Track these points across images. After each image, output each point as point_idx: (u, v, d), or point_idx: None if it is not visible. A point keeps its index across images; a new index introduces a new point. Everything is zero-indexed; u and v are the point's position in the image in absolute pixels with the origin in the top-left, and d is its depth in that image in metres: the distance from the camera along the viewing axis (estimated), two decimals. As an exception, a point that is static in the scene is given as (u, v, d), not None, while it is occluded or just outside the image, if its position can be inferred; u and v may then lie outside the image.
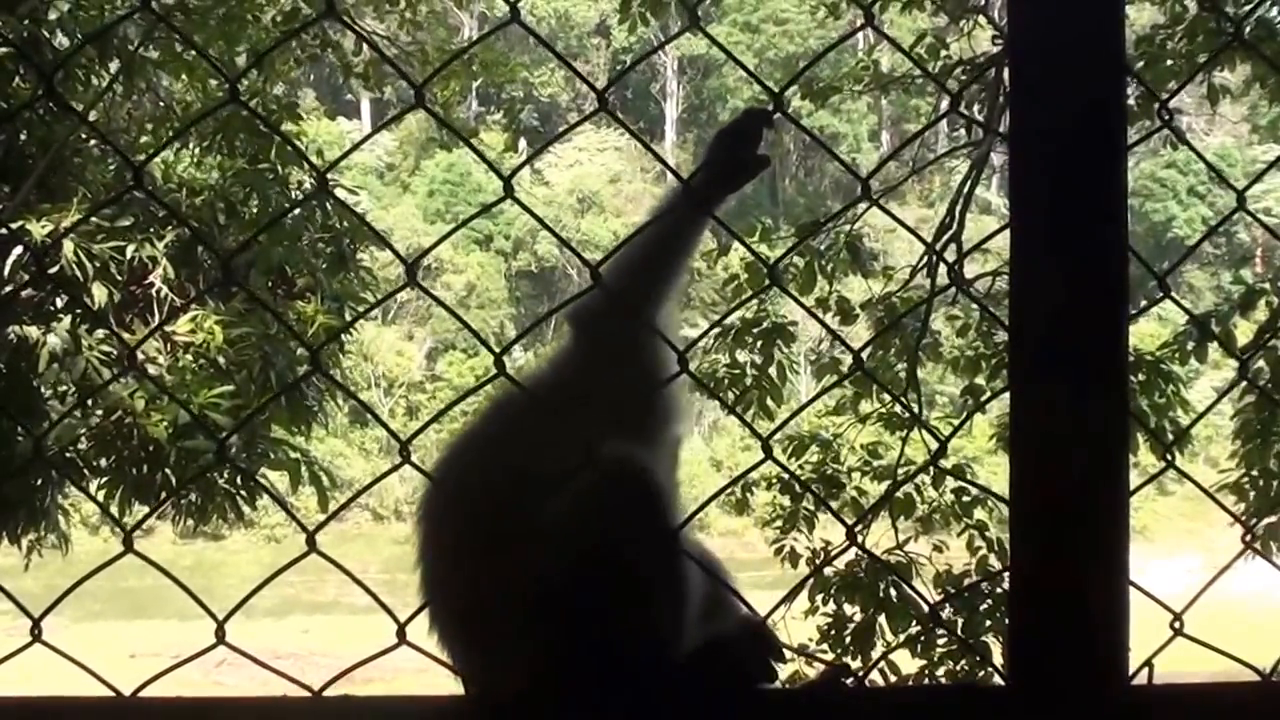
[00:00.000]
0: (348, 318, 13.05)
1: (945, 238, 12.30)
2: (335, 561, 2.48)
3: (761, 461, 2.70)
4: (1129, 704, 2.27)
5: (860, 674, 10.03)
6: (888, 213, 3.40)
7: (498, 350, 2.69)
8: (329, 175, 14.51)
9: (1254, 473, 11.11)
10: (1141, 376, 11.68)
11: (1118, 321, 2.22)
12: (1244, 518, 11.37)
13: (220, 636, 2.36)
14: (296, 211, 12.83)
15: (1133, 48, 13.11)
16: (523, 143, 46.91)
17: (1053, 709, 2.25)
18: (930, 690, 5.59)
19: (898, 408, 12.04)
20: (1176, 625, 2.50)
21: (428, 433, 3.58)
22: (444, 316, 56.46)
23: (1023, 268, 2.27)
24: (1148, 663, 2.41)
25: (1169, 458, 2.71)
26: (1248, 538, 2.66)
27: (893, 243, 51.09)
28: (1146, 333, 41.25)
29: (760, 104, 3.06)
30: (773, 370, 12.00)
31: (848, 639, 11.19)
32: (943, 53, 12.77)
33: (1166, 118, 2.94)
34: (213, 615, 2.37)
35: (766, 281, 11.05)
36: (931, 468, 11.59)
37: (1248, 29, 12.17)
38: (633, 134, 3.04)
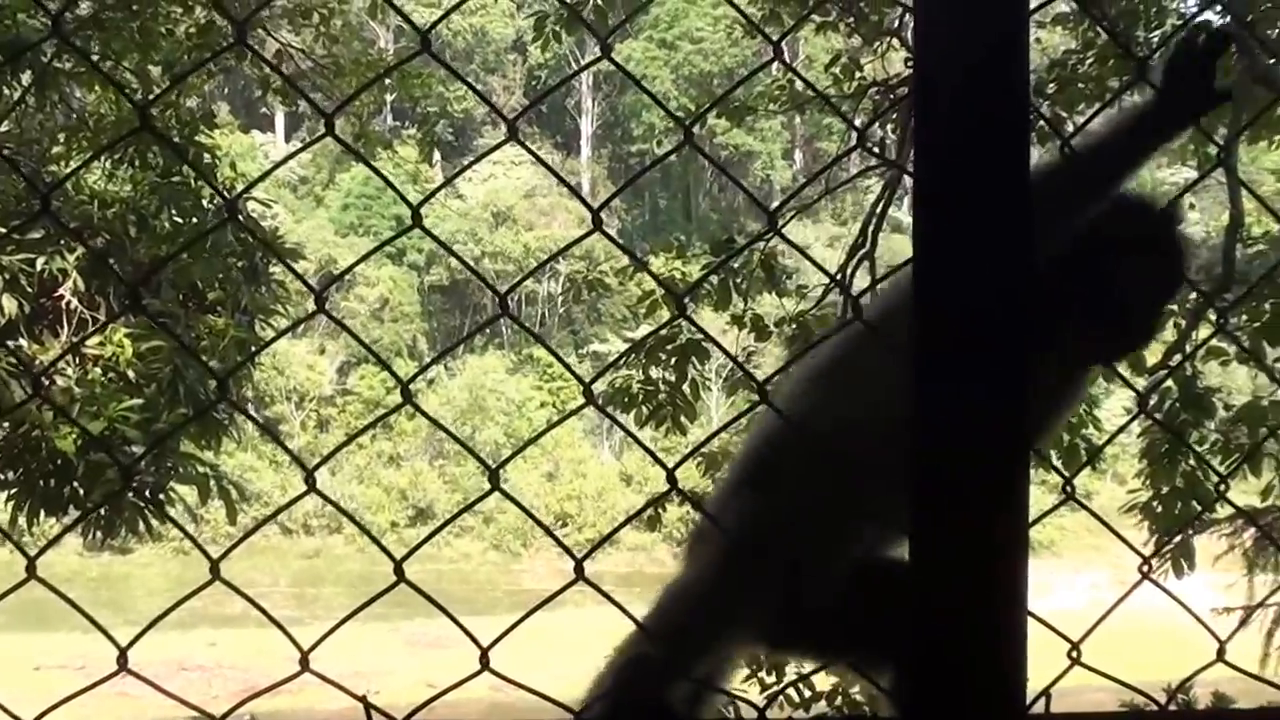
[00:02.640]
0: (259, 331, 12.97)
1: (858, 256, 12.41)
2: (238, 589, 2.45)
3: (666, 494, 2.71)
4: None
5: (775, 691, 10.04)
6: (791, 243, 3.35)
7: (405, 378, 2.67)
8: (239, 185, 14.45)
9: (1162, 491, 11.25)
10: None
11: (1018, 347, 2.25)
12: (1151, 537, 11.53)
13: (122, 664, 2.33)
14: (208, 226, 12.74)
15: (1045, 72, 13.27)
16: (437, 157, 46.82)
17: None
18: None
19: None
20: (1074, 655, 2.53)
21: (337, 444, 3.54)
22: (355, 329, 55.92)
23: (924, 294, 2.29)
24: (1045, 692, 2.43)
25: (1068, 490, 2.73)
26: (1145, 568, 2.68)
27: (806, 260, 51.46)
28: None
29: (681, 118, 2.99)
30: (686, 387, 12.05)
31: (761, 656, 11.22)
32: (857, 74, 12.88)
33: (1069, 151, 2.94)
34: (114, 642, 2.34)
35: (683, 302, 11.03)
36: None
37: (1157, 55, 12.34)
38: (544, 164, 3.02)
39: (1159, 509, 11.20)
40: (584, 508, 51.37)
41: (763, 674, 10.82)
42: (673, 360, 12.02)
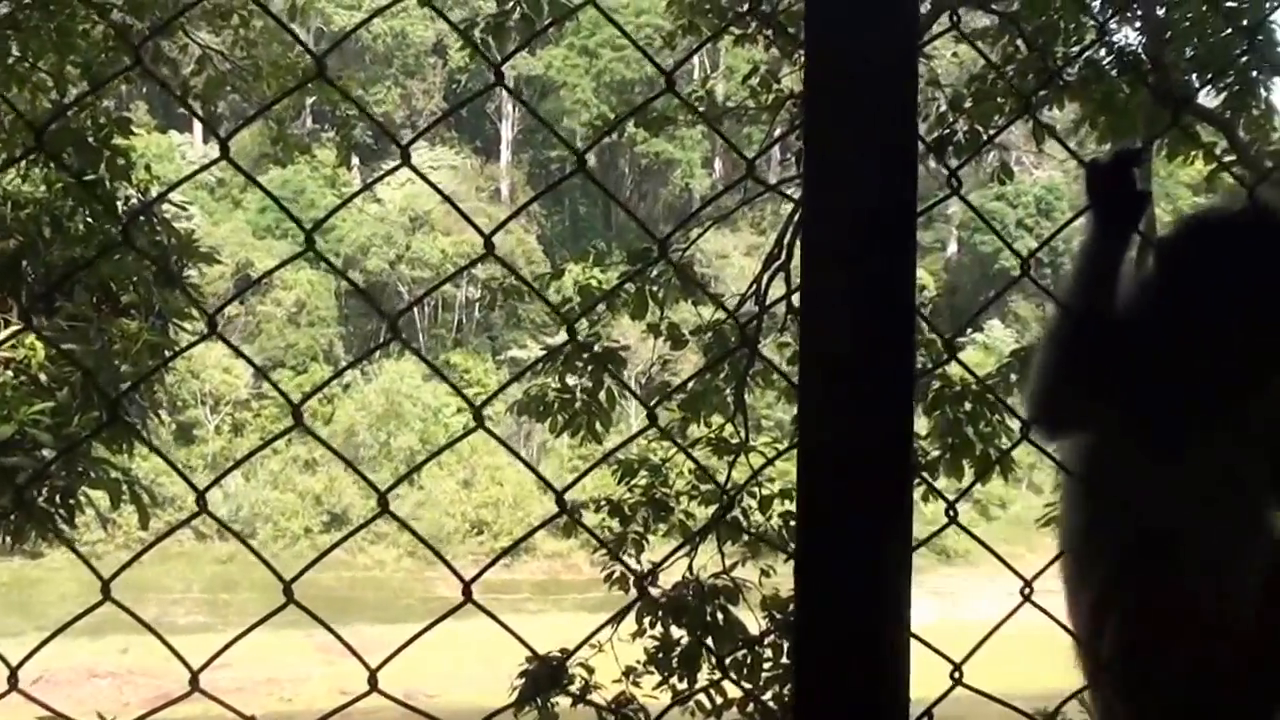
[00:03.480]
0: (173, 335, 12.87)
1: (774, 267, 12.47)
2: (128, 609, 2.45)
3: (556, 515, 2.72)
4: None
5: (685, 696, 10.08)
6: (689, 277, 3.37)
7: (296, 401, 2.66)
8: (155, 187, 14.31)
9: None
10: (968, 406, 11.92)
11: (906, 364, 2.28)
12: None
13: (13, 684, 2.32)
14: (123, 229, 12.62)
15: (964, 86, 13.40)
16: (356, 160, 46.59)
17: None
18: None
19: (727, 432, 12.17)
20: (956, 675, 2.57)
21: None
22: (272, 334, 55.80)
23: (811, 305, 2.32)
24: (927, 712, 2.47)
25: (950, 514, 2.77)
26: (1026, 590, 2.73)
27: (725, 269, 51.57)
28: (973, 362, 42.01)
29: (600, 126, 3.02)
30: (602, 395, 12.08)
31: (674, 662, 11.25)
32: (774, 86, 12.96)
33: (956, 185, 3.00)
34: (5, 663, 2.32)
35: (599, 305, 11.04)
36: (760, 493, 11.73)
37: (1076, 69, 12.50)
38: (435, 189, 3.03)
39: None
40: (501, 515, 51.29)
41: (674, 680, 10.89)
42: (588, 368, 12.04)
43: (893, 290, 2.27)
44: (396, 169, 2.60)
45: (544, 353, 12.59)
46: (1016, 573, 2.80)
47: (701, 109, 14.10)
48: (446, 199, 2.81)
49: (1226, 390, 3.22)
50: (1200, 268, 3.26)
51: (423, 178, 2.89)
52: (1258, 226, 3.30)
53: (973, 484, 11.83)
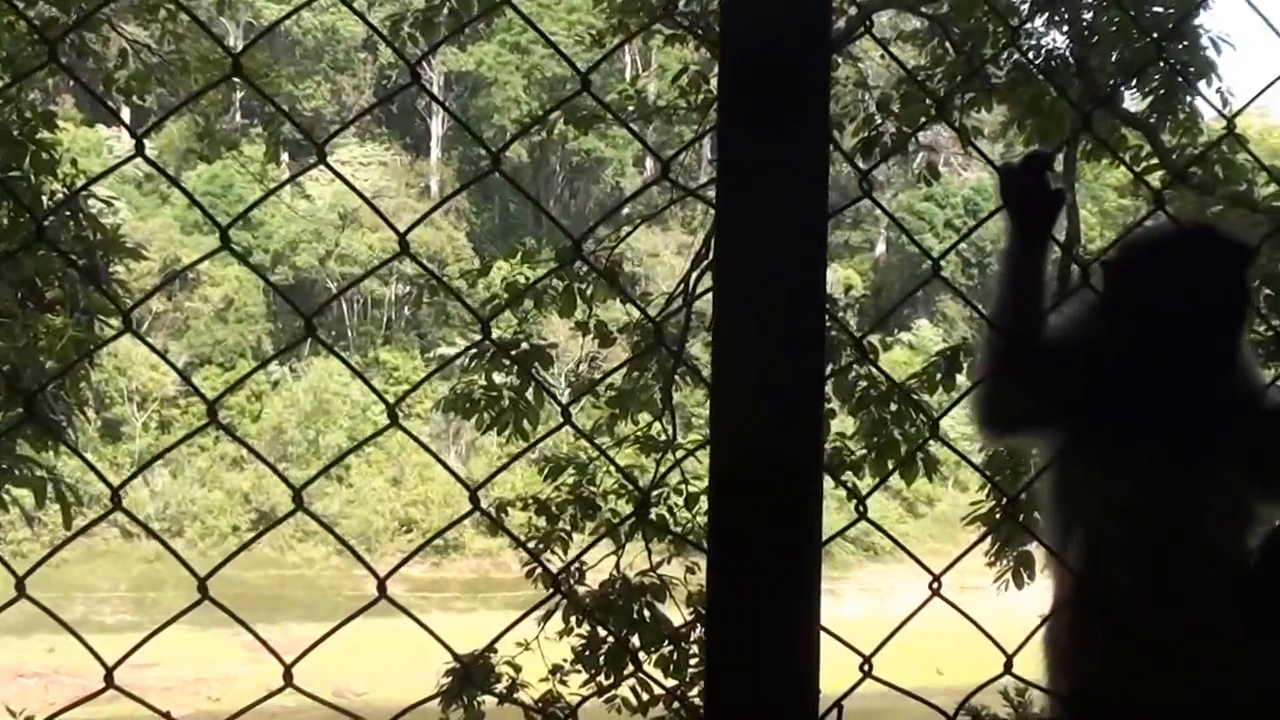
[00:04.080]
0: (99, 330, 12.75)
1: (702, 265, 12.50)
2: (46, 608, 2.43)
3: (469, 513, 2.73)
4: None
5: (611, 693, 10.08)
6: (609, 277, 3.42)
7: (211, 397, 2.66)
8: (81, 182, 14.18)
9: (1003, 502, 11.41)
10: (894, 406, 12.00)
11: (817, 364, 2.30)
12: (993, 547, 11.71)
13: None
14: (48, 223, 12.50)
15: (893, 88, 13.47)
16: (285, 156, 46.31)
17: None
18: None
19: (655, 430, 12.20)
20: (866, 668, 2.60)
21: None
22: (200, 330, 55.36)
23: (722, 307, 2.33)
24: (837, 704, 2.50)
25: (860, 509, 2.80)
26: (934, 585, 2.76)
27: (655, 267, 51.65)
28: (901, 361, 42.21)
29: (525, 121, 3.02)
30: (529, 393, 12.06)
31: (601, 659, 11.27)
32: (704, 86, 12.98)
33: (868, 186, 3.04)
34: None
35: (525, 302, 11.03)
36: (687, 490, 11.77)
37: (1005, 72, 12.60)
38: (353, 189, 3.03)
39: (1000, 519, 11.38)
40: (430, 513, 51.04)
41: (601, 677, 10.91)
42: (515, 366, 12.02)
43: (802, 294, 2.30)
44: (314, 166, 2.59)
45: (472, 351, 12.51)
46: (925, 567, 2.84)
47: (632, 108, 14.12)
48: (361, 196, 2.81)
49: (1180, 399, 3.36)
50: (1145, 285, 3.42)
51: (339, 176, 2.89)
52: (1198, 244, 3.48)
53: (883, 480, 11.91)
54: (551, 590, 10.14)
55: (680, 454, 11.79)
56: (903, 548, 3.37)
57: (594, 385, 12.67)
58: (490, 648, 10.22)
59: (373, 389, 3.03)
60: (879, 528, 3.01)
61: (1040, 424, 3.49)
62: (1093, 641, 3.24)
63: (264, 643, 2.57)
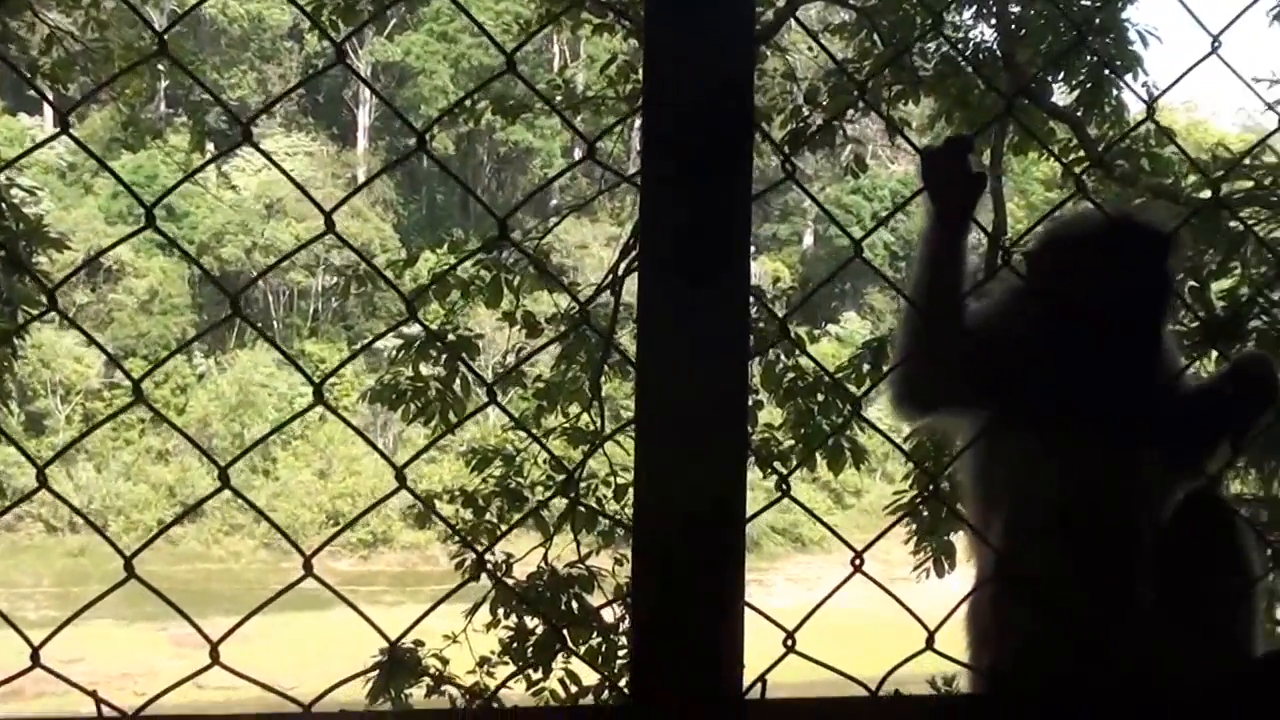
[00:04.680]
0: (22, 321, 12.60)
1: (630, 257, 12.45)
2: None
3: (394, 492, 2.70)
4: (740, 717, 2.36)
5: (541, 685, 10.05)
6: (537, 261, 3.43)
7: (137, 377, 2.60)
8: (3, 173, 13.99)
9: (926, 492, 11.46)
10: (821, 397, 12.03)
11: (740, 358, 2.30)
12: (914, 535, 11.75)
13: None
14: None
15: (821, 80, 13.48)
16: (210, 146, 46.00)
17: (666, 725, 2.33)
18: (555, 710, 5.68)
19: (583, 422, 12.17)
20: (789, 643, 2.59)
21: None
22: (124, 322, 54.84)
23: (647, 303, 2.33)
24: (761, 678, 2.50)
25: (784, 488, 2.79)
26: (856, 561, 2.76)
27: (584, 259, 51.58)
28: (828, 353, 42.37)
29: (458, 113, 2.99)
30: (456, 384, 12.00)
31: (530, 652, 11.22)
32: (633, 76, 12.93)
33: (791, 170, 3.04)
34: None
35: (452, 293, 10.95)
36: (615, 482, 11.75)
37: (932, 65, 12.63)
38: (278, 168, 2.99)
39: (924, 511, 11.43)
40: (357, 506, 50.75)
41: (529, 670, 10.86)
42: (443, 357, 11.96)
43: (724, 287, 2.29)
44: (238, 145, 2.54)
45: (399, 342, 12.45)
46: (848, 544, 2.84)
47: (560, 98, 14.04)
48: (287, 175, 2.76)
49: (1103, 384, 3.42)
50: (1069, 274, 3.50)
51: (264, 154, 2.83)
52: (1121, 233, 3.54)
53: (807, 458, 11.92)
54: (475, 572, 10.05)
55: (613, 447, 11.73)
56: (825, 525, 3.39)
57: (523, 360, 12.61)
58: (414, 626, 10.10)
59: (298, 367, 2.98)
60: (801, 504, 3.00)
61: (958, 405, 3.54)
62: (1013, 618, 3.28)
63: (190, 619, 2.53)
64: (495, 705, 7.50)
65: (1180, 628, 3.36)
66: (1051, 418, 3.38)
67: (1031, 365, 3.40)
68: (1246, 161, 8.26)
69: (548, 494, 12.21)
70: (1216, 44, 3.31)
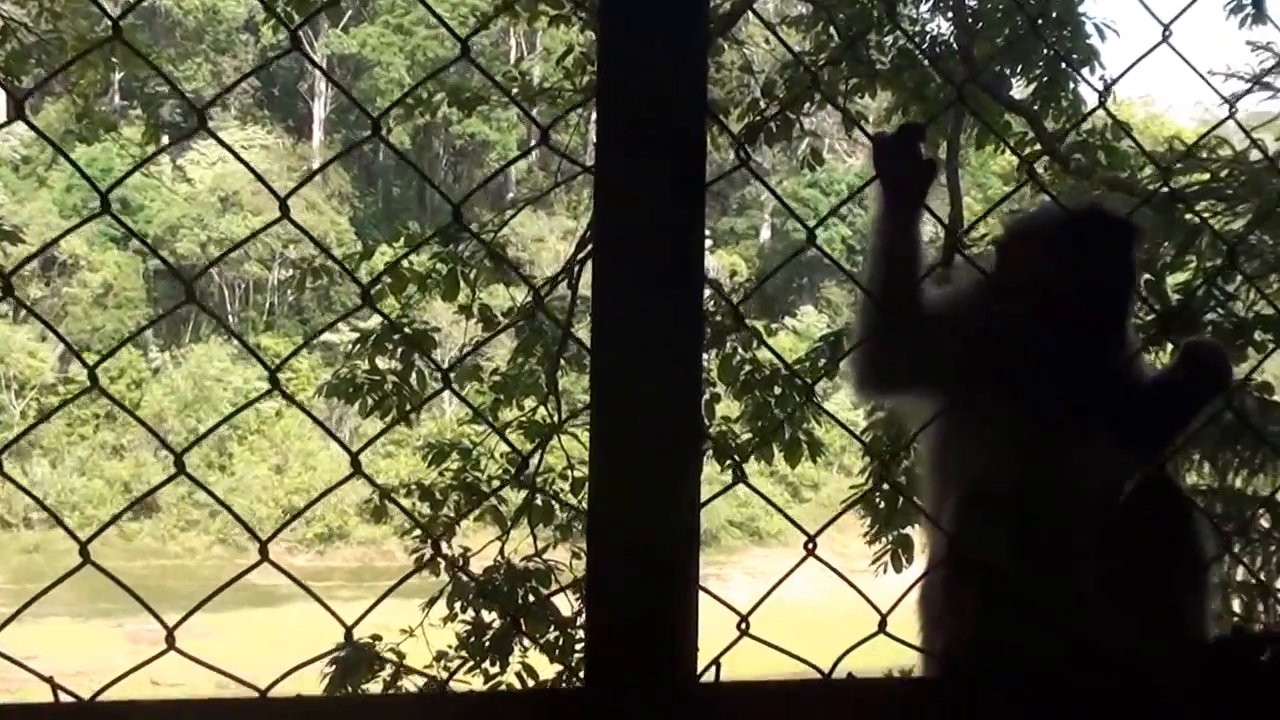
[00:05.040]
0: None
1: (586, 250, 12.43)
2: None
3: (348, 477, 2.68)
4: (694, 700, 2.38)
5: (497, 680, 10.01)
6: (495, 252, 3.42)
7: (91, 363, 2.57)
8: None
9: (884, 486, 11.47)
10: (778, 390, 12.05)
11: (694, 347, 2.31)
12: (873, 530, 11.77)
13: None
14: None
15: (777, 73, 13.48)
16: (165, 139, 45.66)
17: (621, 708, 2.34)
18: (504, 695, 5.69)
19: (540, 415, 12.15)
20: (743, 626, 2.60)
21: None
22: (79, 316, 54.49)
23: (601, 294, 2.33)
24: (715, 661, 2.51)
25: (738, 473, 2.81)
26: (810, 545, 2.77)
27: (540, 252, 51.55)
28: (785, 346, 42.47)
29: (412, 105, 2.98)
30: (413, 377, 11.95)
31: (487, 645, 11.19)
32: (589, 68, 12.89)
33: (745, 157, 3.05)
34: None
35: (410, 287, 10.91)
36: (573, 475, 11.73)
37: (889, 58, 12.65)
38: (232, 152, 2.97)
39: (881, 503, 11.46)
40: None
41: (486, 664, 10.84)
42: (399, 350, 11.91)
43: (678, 279, 2.29)
44: (194, 132, 2.51)
45: (355, 336, 12.43)
46: (800, 528, 2.85)
47: (517, 90, 14.00)
48: (239, 158, 2.74)
49: (1063, 371, 3.48)
50: (1037, 263, 3.55)
51: (216, 138, 2.81)
52: (1088, 223, 3.60)
53: (761, 442, 11.94)
54: (428, 559, 10.02)
55: (569, 441, 11.71)
56: (777, 509, 3.43)
57: (478, 347, 12.55)
58: (371, 610, 10.05)
59: (253, 352, 2.95)
60: (754, 489, 3.01)
61: (917, 387, 3.57)
62: (965, 602, 3.30)
63: (145, 604, 2.50)
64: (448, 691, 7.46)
65: (1132, 611, 3.40)
66: (1007, 403, 3.41)
67: (991, 352, 3.43)
68: (1203, 155, 8.32)
69: (505, 491, 12.16)
70: (1168, 33, 3.33)
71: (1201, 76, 3.69)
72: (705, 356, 12.13)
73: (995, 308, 3.51)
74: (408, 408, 11.99)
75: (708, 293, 2.38)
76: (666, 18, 2.40)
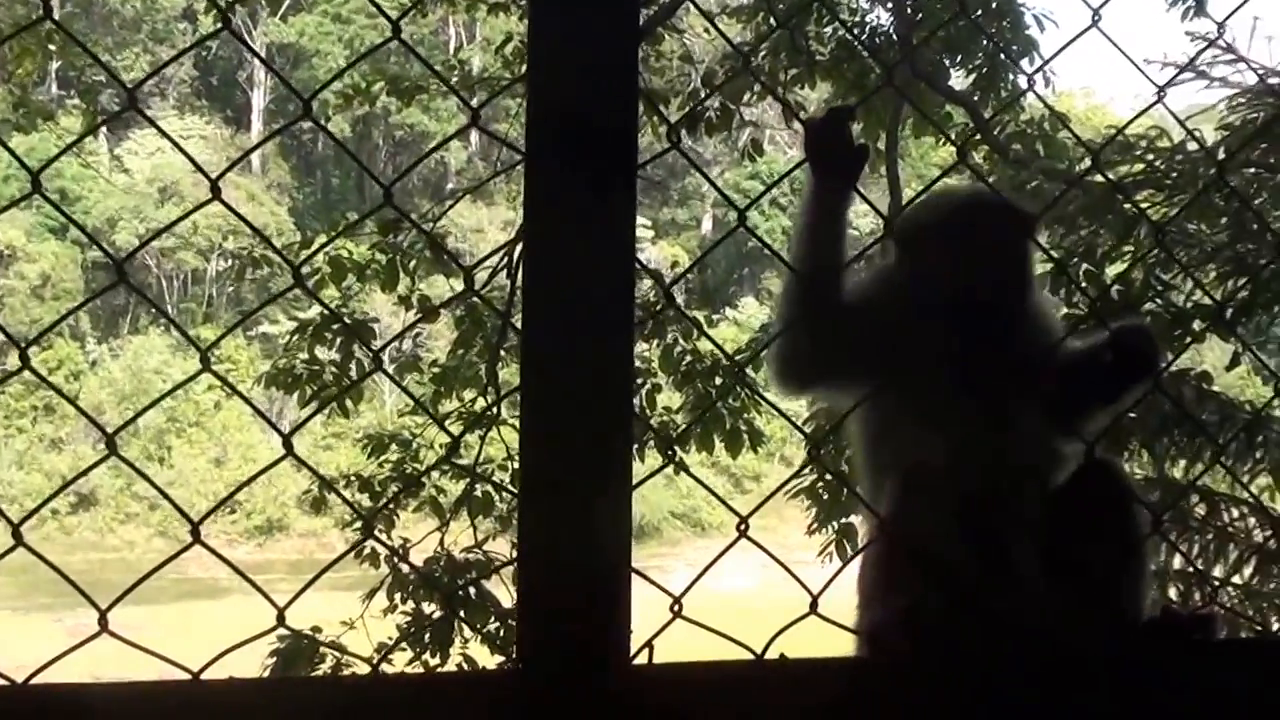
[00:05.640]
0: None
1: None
2: None
3: (282, 458, 2.68)
4: (626, 682, 2.40)
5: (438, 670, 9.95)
6: (434, 241, 3.41)
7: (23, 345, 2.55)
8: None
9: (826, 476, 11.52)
10: (719, 381, 12.09)
11: (625, 333, 2.32)
12: (815, 521, 11.81)
13: None
14: None
15: (718, 64, 13.51)
16: (103, 129, 45.34)
17: (553, 689, 2.35)
18: (438, 677, 5.70)
19: (479, 406, 12.13)
20: (676, 608, 2.61)
21: None
22: (15, 307, 53.99)
23: (532, 280, 2.35)
24: (648, 644, 2.53)
25: (670, 453, 2.83)
26: (742, 526, 2.80)
27: (480, 243, 51.40)
28: (727, 337, 42.53)
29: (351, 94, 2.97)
30: (352, 368, 11.92)
31: (427, 636, 11.18)
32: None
33: (676, 139, 3.06)
34: None
35: (349, 278, 10.86)
36: (512, 466, 11.71)
37: (829, 49, 12.69)
38: (162, 132, 2.93)
39: (824, 494, 11.50)
40: (253, 493, 50.33)
41: (427, 655, 10.83)
42: (338, 340, 11.87)
43: (608, 266, 2.31)
44: (124, 111, 2.49)
45: (294, 327, 12.40)
46: (732, 509, 2.87)
47: (456, 79, 13.97)
48: (170, 138, 2.71)
49: (975, 355, 3.50)
50: (929, 252, 3.54)
51: (147, 119, 2.78)
52: (979, 212, 3.64)
53: (697, 419, 11.98)
54: (362, 540, 9.98)
55: (509, 432, 11.70)
56: (712, 492, 3.44)
57: (409, 329, 12.51)
58: (302, 592, 10.03)
59: (183, 333, 2.93)
60: (690, 473, 3.04)
61: (838, 379, 3.57)
62: (895, 582, 3.31)
63: (76, 586, 2.48)
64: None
65: (1067, 592, 3.43)
66: (932, 387, 3.45)
67: (903, 338, 3.45)
68: (1142, 145, 8.39)
69: (444, 477, 12.14)
70: (1097, 18, 3.36)
71: (1133, 63, 3.72)
72: (646, 347, 12.19)
73: (904, 294, 3.52)
74: (346, 390, 11.95)
75: (650, 283, 2.40)
76: (597, 3, 2.41)
